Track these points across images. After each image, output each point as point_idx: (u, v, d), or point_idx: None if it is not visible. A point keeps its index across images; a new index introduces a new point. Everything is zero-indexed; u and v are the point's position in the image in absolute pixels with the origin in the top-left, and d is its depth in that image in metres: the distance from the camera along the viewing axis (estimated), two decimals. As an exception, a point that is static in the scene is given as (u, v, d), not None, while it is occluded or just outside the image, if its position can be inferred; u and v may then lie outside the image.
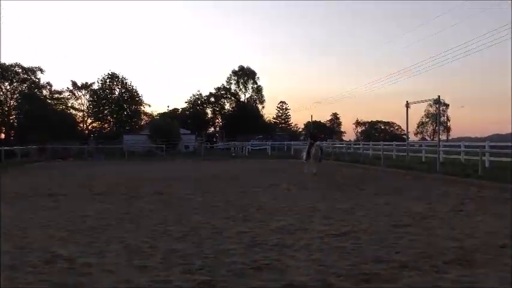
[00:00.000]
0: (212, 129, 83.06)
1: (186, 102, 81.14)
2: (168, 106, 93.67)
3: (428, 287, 4.50)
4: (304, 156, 20.68)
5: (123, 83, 64.49)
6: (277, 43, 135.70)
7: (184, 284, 4.64)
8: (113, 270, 5.08)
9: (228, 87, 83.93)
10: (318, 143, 20.12)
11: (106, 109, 63.99)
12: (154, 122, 60.76)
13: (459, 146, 27.54)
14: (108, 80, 64.24)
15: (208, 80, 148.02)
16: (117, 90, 64.65)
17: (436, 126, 72.62)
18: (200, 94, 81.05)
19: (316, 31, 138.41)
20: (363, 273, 4.93)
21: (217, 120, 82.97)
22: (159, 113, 75.08)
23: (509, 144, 23.04)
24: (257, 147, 51.38)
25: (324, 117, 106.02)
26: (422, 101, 24.21)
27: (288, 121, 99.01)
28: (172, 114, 76.01)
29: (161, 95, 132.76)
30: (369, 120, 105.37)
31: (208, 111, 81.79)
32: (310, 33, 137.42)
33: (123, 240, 6.69)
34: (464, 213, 9.02)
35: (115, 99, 63.73)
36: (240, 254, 5.82)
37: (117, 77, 64.34)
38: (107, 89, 64.15)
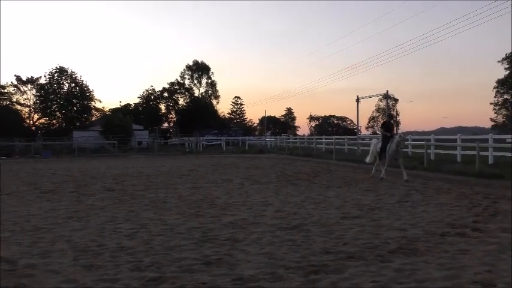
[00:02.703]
0: (166, 124, 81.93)
1: (139, 97, 79.52)
2: (120, 101, 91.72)
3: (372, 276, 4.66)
4: (373, 154, 15.50)
5: (72, 77, 62.35)
6: (232, 39, 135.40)
7: (133, 281, 4.57)
8: (57, 271, 4.93)
9: (182, 82, 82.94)
10: (401, 134, 14.69)
11: (54, 104, 61.64)
12: (106, 118, 59.19)
13: (407, 140, 28.50)
14: (56, 75, 61.89)
15: (162, 74, 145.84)
16: (66, 85, 62.45)
17: (386, 121, 74.62)
18: (153, 89, 79.65)
19: (270, 27, 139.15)
20: (312, 264, 5.04)
21: (171, 116, 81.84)
22: (111, 109, 73.28)
23: (453, 137, 24.12)
24: (212, 143, 51.18)
25: (278, 112, 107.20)
26: (371, 96, 24.95)
27: (242, 116, 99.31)
28: (125, 109, 74.39)
29: (113, 90, 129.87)
30: (323, 115, 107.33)
31: (162, 106, 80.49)
32: (264, 29, 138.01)
33: (70, 239, 6.50)
34: (410, 203, 9.37)
35: (64, 94, 61.53)
36: (190, 250, 5.79)
37: (66, 71, 62.13)
38: (55, 83, 61.78)
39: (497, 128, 73.07)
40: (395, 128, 14.72)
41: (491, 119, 77.64)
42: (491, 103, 75.86)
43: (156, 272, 4.84)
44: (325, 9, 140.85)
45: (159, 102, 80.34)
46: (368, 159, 15.92)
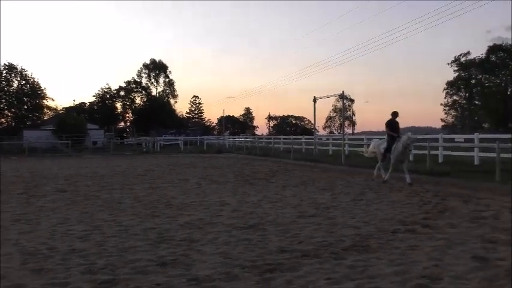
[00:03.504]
0: (122, 124, 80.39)
1: (94, 96, 77.63)
2: (74, 100, 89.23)
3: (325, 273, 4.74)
4: (378, 153, 14.23)
5: (22, 74, 59.98)
6: (190, 38, 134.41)
7: (84, 284, 4.45)
8: (3, 275, 4.73)
9: (138, 80, 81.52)
10: (409, 135, 12.97)
11: (3, 103, 59.15)
12: (59, 117, 57.37)
13: (362, 139, 29.23)
14: (4, 72, 59.35)
15: (118, 73, 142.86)
16: (16, 82, 60.04)
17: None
18: (109, 87, 77.93)
19: (229, 26, 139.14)
20: (267, 263, 5.06)
21: (127, 115, 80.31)
22: (64, 107, 71.11)
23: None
24: (169, 142, 50.57)
25: (237, 111, 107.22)
26: (328, 96, 25.33)
27: (201, 116, 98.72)
28: (79, 108, 72.42)
29: (67, 88, 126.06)
30: (281, 115, 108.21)
31: (118, 105, 78.85)
32: (222, 28, 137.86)
33: (18, 242, 6.25)
34: (364, 202, 9.60)
35: (13, 92, 59.12)
36: (145, 251, 5.70)
37: (15, 68, 59.69)
38: (3, 81, 59.24)
39: (447, 128, 76.22)
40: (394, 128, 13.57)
41: (442, 120, 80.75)
42: (441, 104, 79.09)
43: (109, 275, 4.73)
44: (283, 8, 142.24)
45: (115, 101, 78.67)
46: (367, 153, 15.62)
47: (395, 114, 13.91)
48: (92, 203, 10.06)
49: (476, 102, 77.01)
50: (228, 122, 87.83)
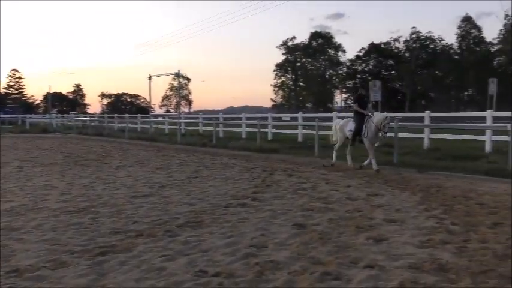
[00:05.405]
0: None
1: None
2: None
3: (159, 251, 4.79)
4: (345, 135, 11.47)
5: None
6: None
7: None
8: None
9: None
10: (387, 116, 10.83)
11: None
12: None
13: (198, 118, 29.81)
14: None
15: None
16: None
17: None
18: None
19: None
20: (99, 246, 4.89)
21: None
22: None
23: (239, 116, 26.12)
24: (-18, 122, 44.49)
25: (65, 88, 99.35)
26: (164, 75, 25.14)
27: (22, 92, 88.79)
28: None
29: None
30: (115, 93, 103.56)
31: None
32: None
33: None
34: (199, 179, 9.85)
35: None
36: (-48, 246, 5.00)
37: None
38: None
39: (276, 107, 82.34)
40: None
41: (272, 99, 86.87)
42: (271, 85, 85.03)
43: None
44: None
45: None
46: (335, 144, 12.00)
47: (365, 88, 12.01)
48: None
49: (301, 84, 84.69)
50: (55, 100, 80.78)
